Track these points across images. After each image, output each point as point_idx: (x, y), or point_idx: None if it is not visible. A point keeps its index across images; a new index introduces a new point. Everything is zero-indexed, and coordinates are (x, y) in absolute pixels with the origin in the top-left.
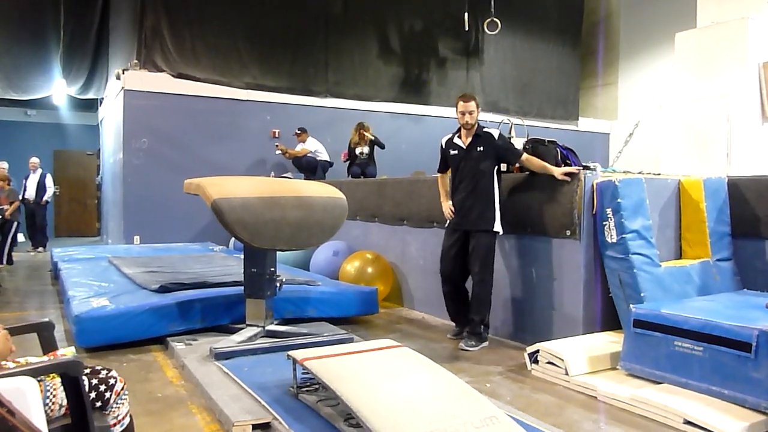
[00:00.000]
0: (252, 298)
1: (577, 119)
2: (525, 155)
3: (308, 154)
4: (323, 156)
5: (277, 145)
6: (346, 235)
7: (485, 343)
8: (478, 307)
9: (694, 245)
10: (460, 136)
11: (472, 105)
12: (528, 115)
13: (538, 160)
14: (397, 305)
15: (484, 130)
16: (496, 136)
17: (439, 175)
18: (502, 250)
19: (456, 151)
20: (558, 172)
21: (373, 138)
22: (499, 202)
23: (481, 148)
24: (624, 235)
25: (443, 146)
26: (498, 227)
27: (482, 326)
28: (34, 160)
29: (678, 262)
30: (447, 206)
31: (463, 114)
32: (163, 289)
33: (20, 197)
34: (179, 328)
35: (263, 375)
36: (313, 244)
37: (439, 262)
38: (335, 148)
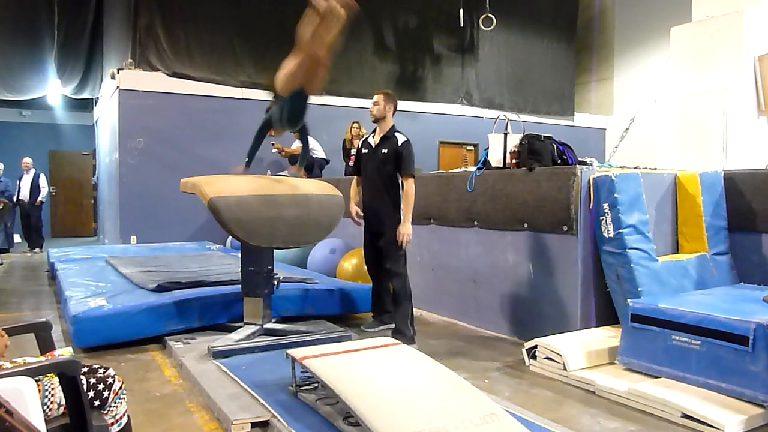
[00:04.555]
0: (250, 297)
1: (573, 115)
2: (410, 180)
3: None
4: (320, 154)
5: (273, 144)
6: (343, 232)
7: (413, 345)
8: (398, 300)
9: (690, 239)
10: (374, 136)
11: (376, 98)
12: (523, 111)
13: (409, 201)
14: None
15: (396, 133)
16: (400, 142)
17: (354, 179)
18: (500, 246)
19: (366, 150)
20: (404, 226)
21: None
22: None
23: (385, 150)
24: (621, 230)
25: (359, 145)
26: None
27: (408, 322)
28: (27, 160)
29: (675, 257)
30: (353, 210)
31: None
32: (161, 289)
33: (14, 198)
34: (177, 327)
35: (261, 373)
36: (310, 242)
37: (434, 259)
38: (331, 145)
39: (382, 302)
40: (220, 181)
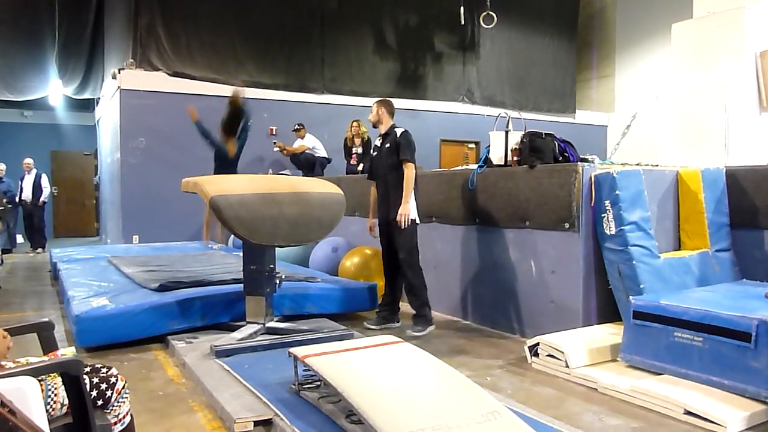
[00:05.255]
0: (252, 296)
1: (574, 112)
2: (409, 165)
3: (306, 151)
4: (321, 152)
5: (275, 143)
6: (345, 231)
7: (432, 327)
8: (414, 291)
9: (692, 236)
10: (379, 138)
11: (372, 106)
12: (525, 108)
13: (408, 184)
14: None
15: (395, 128)
16: (399, 133)
17: (372, 187)
18: (501, 244)
19: (375, 152)
20: (403, 207)
21: (365, 137)
22: (414, 193)
23: (388, 145)
24: (623, 227)
25: (371, 152)
26: (412, 216)
27: (426, 307)
28: (28, 160)
29: (677, 253)
30: (370, 221)
31: None
32: (163, 288)
33: (17, 199)
34: (179, 327)
35: (264, 372)
36: (311, 240)
37: (436, 257)
38: (332, 144)
39: (392, 301)
40: (221, 180)
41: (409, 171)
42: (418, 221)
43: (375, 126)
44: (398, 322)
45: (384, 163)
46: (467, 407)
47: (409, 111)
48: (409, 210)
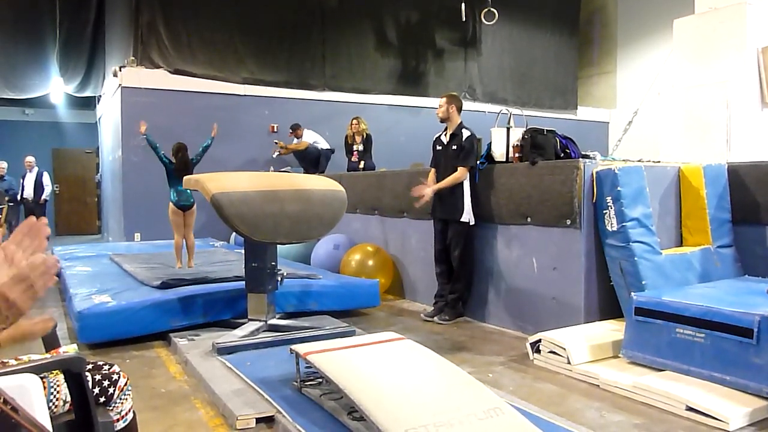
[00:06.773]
0: (253, 293)
1: (576, 108)
2: (462, 170)
3: (309, 146)
4: (323, 145)
5: (276, 142)
6: (346, 228)
7: (458, 318)
8: (458, 284)
9: (694, 232)
10: (445, 134)
11: (439, 101)
12: (526, 105)
13: (450, 181)
14: (398, 297)
15: (462, 130)
16: (464, 138)
17: (432, 169)
18: (503, 240)
19: (440, 147)
20: (432, 188)
21: (366, 134)
22: (471, 196)
23: (455, 147)
24: (624, 224)
25: (433, 141)
26: (466, 218)
27: (460, 302)
28: (30, 158)
29: (679, 250)
30: (429, 190)
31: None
32: (165, 285)
33: (18, 197)
34: (181, 324)
35: (266, 369)
36: (312, 237)
37: None
38: (333, 141)
39: (444, 293)
40: (222, 178)
41: (459, 174)
42: (472, 222)
43: (443, 121)
44: (462, 315)
45: (448, 163)
46: (469, 404)
47: (411, 108)
48: (430, 192)
